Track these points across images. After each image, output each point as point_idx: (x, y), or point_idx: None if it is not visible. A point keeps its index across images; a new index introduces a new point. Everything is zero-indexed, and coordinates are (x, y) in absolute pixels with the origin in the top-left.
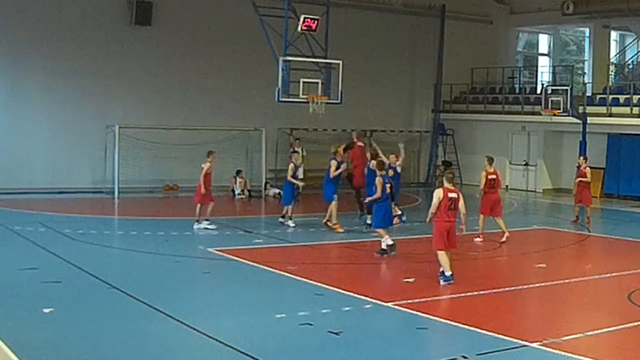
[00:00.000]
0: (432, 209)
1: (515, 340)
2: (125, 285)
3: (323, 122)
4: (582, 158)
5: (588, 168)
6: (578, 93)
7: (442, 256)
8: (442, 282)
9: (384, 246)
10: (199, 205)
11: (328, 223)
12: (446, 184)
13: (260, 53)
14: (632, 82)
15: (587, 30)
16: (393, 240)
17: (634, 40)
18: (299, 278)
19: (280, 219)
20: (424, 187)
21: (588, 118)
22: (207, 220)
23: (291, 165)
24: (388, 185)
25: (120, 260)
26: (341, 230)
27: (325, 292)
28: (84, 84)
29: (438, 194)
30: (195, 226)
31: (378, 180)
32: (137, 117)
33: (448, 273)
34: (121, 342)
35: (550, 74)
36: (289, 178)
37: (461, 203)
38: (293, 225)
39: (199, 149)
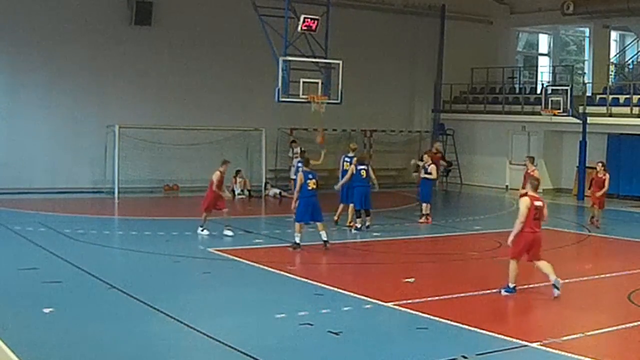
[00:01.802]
0: (521, 219)
1: (515, 340)
2: (125, 285)
3: (323, 122)
4: (600, 164)
5: (607, 175)
6: (578, 93)
7: (514, 265)
8: (503, 292)
9: (297, 240)
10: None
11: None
12: (531, 192)
13: (260, 53)
14: (632, 82)
15: (587, 30)
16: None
17: (634, 40)
18: (299, 278)
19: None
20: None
21: (588, 118)
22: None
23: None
24: (312, 182)
25: (120, 260)
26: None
27: (325, 292)
28: (84, 84)
29: (525, 202)
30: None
31: (298, 176)
32: (137, 117)
33: (512, 285)
34: (121, 342)
35: (550, 74)
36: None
37: (545, 211)
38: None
39: (199, 149)
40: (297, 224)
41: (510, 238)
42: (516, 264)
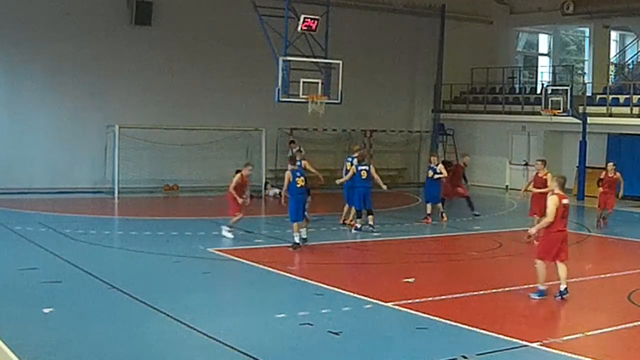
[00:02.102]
0: (550, 219)
1: (515, 340)
2: (125, 285)
3: (323, 122)
4: (612, 164)
5: (619, 173)
6: (578, 93)
7: (541, 267)
8: (532, 296)
9: (296, 240)
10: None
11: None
12: (557, 190)
13: (260, 53)
14: (632, 82)
15: (587, 30)
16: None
17: (634, 40)
18: (299, 278)
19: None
20: (424, 188)
21: (588, 118)
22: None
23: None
24: (300, 180)
25: (120, 260)
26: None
27: (325, 292)
28: (84, 84)
29: (554, 201)
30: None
31: (286, 174)
32: (137, 117)
33: (543, 287)
34: (121, 342)
35: (550, 74)
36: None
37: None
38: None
39: (199, 149)
40: (294, 224)
41: (533, 230)
42: (544, 265)
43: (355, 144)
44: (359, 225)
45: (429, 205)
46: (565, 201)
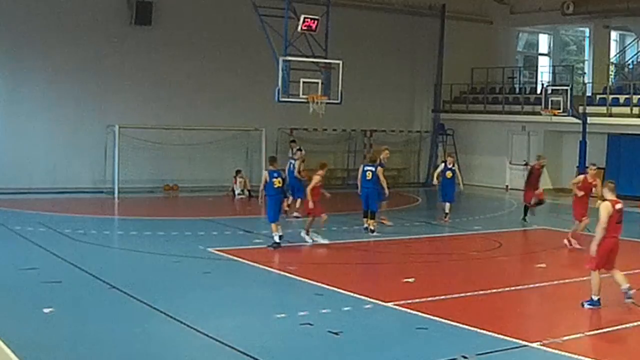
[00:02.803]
0: (602, 226)
1: (515, 340)
2: (125, 285)
3: (323, 122)
4: None
5: None
6: (578, 93)
7: (596, 277)
8: (586, 306)
9: (276, 239)
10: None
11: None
12: (610, 196)
13: (260, 53)
14: (632, 82)
15: (587, 30)
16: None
17: (634, 40)
18: (299, 278)
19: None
20: (424, 187)
21: (588, 118)
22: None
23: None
24: (277, 180)
25: (120, 260)
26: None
27: (325, 292)
28: (84, 84)
29: (607, 208)
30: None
31: (263, 174)
32: (137, 117)
33: (596, 297)
34: (121, 342)
35: (550, 74)
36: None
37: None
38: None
39: (199, 149)
40: (272, 225)
41: (593, 247)
42: (598, 274)
43: (382, 146)
44: (365, 225)
45: (447, 205)
46: (618, 206)
